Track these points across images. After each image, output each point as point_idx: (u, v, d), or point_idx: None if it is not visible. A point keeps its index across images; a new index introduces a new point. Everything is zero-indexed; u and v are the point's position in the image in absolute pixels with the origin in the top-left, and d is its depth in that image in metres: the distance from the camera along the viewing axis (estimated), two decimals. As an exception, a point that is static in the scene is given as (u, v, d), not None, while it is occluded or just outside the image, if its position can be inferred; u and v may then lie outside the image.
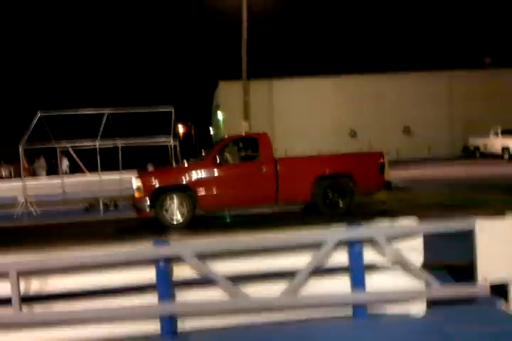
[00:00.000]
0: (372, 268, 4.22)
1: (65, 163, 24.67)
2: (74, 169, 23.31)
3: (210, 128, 50.24)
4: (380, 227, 4.10)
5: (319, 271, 4.13)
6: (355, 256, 4.09)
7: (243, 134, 10.92)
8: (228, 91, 30.52)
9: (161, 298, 4.05)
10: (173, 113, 14.12)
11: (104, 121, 13.44)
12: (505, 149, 25.55)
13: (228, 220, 10.55)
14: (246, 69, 24.45)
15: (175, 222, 9.61)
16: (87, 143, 14.20)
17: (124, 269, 4.15)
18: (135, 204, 9.78)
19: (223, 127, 31.49)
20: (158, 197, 9.57)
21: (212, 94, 41.42)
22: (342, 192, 9.80)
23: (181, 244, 4.11)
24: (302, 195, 9.78)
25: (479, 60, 34.98)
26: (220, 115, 31.54)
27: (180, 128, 51.39)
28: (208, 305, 4.03)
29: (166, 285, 4.05)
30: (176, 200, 9.61)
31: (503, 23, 57.93)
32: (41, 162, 26.83)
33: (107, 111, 13.85)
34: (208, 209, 9.90)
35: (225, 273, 4.03)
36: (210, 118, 54.11)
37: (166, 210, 9.59)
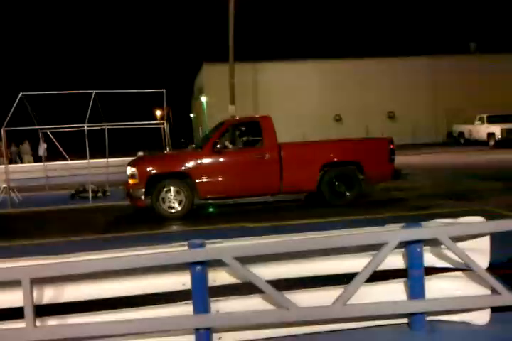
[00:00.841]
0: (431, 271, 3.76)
1: (42, 147, 23.71)
2: (54, 154, 22.38)
3: (191, 114, 49.10)
4: (444, 226, 3.61)
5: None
6: (415, 259, 3.60)
7: (239, 117, 10.25)
8: (212, 74, 29.67)
9: (197, 307, 3.51)
10: (164, 95, 13.39)
11: (91, 103, 12.63)
12: (490, 135, 25.52)
13: (211, 209, 10.02)
14: (233, 51, 23.65)
15: (172, 211, 9.02)
16: (74, 126, 13.40)
17: (151, 275, 3.59)
18: (129, 192, 9.15)
19: (207, 110, 30.68)
20: (154, 184, 8.96)
21: (192, 77, 40.41)
22: (349, 181, 9.31)
23: (222, 246, 3.54)
24: (308, 185, 9.26)
25: (464, 45, 34.81)
26: (203, 98, 30.67)
27: (157, 112, 50.22)
28: (253, 316, 3.49)
29: (202, 293, 3.51)
30: (173, 188, 9.01)
31: (489, 9, 58.13)
32: (25, 146, 25.70)
33: (93, 91, 13.02)
34: (207, 198, 9.31)
35: (266, 278, 3.52)
36: (189, 102, 53.02)
37: (163, 199, 9.00)
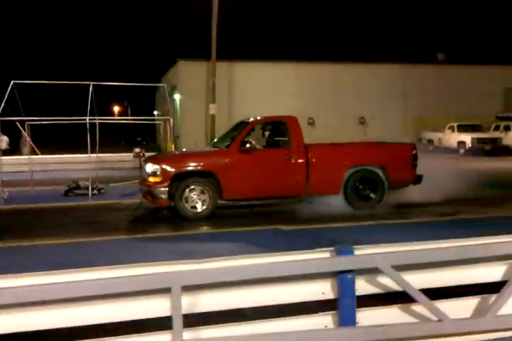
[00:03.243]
0: None
1: (4, 140, 22.52)
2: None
3: (155, 112, 47.94)
4: None
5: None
6: None
7: (272, 117, 9.90)
8: (188, 72, 29.12)
9: (343, 319, 3.27)
10: (165, 88, 12.93)
11: (91, 94, 12.05)
12: (460, 144, 26.32)
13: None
14: (215, 48, 23.31)
15: (196, 212, 8.65)
16: (75, 119, 12.77)
17: (291, 283, 3.32)
18: (150, 190, 8.69)
19: (180, 109, 30.08)
20: (178, 183, 8.57)
21: (158, 73, 39.47)
22: (374, 185, 9.24)
23: (377, 253, 3.31)
24: (333, 187, 9.09)
25: (432, 55, 35.84)
26: (176, 96, 30.04)
27: (115, 108, 48.96)
28: (405, 329, 3.29)
29: (350, 304, 3.27)
30: (198, 188, 8.64)
31: (458, 21, 60.36)
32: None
33: (91, 82, 12.42)
34: (232, 198, 9.00)
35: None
36: (153, 99, 51.79)
37: (186, 199, 8.61)
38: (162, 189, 8.51)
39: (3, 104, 11.60)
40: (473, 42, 52.97)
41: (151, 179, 8.63)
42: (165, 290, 2.97)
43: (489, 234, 3.64)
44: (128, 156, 18.75)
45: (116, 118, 13.80)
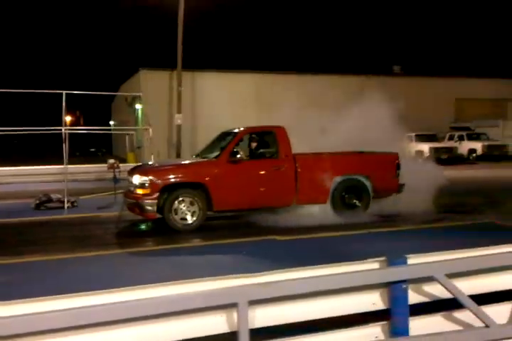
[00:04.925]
0: None
1: None
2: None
3: (111, 122, 46.96)
4: None
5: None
6: None
7: (260, 127, 9.89)
8: (150, 81, 28.74)
9: (395, 329, 3.28)
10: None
11: (64, 103, 11.71)
12: (418, 153, 27.15)
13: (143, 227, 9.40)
14: (181, 58, 23.17)
15: (186, 223, 8.50)
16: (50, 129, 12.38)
17: (341, 295, 3.30)
18: (138, 203, 8.46)
19: (142, 119, 29.60)
20: (167, 195, 8.40)
21: (113, 82, 38.73)
22: (359, 194, 9.37)
23: (432, 262, 3.34)
24: (321, 197, 9.16)
25: (388, 67, 36.93)
26: (138, 105, 29.58)
27: (67, 117, 47.65)
28: (452, 335, 3.33)
29: (403, 315, 3.28)
30: (187, 199, 8.50)
31: (414, 34, 62.59)
32: None
33: (63, 91, 12.06)
34: (221, 210, 8.90)
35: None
36: (108, 108, 50.82)
37: (175, 210, 8.45)
38: (151, 201, 8.32)
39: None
40: (427, 55, 55.16)
41: (139, 191, 8.42)
42: (227, 306, 2.90)
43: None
44: (92, 168, 18.33)
45: (87, 128, 13.39)
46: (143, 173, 8.56)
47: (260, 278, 3.07)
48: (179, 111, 23.21)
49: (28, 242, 7.97)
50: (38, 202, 11.72)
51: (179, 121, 22.76)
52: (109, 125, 47.44)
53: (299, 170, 9.06)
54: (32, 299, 2.72)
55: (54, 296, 2.77)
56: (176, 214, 8.45)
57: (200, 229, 8.59)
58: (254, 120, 31.22)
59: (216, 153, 9.10)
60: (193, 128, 27.43)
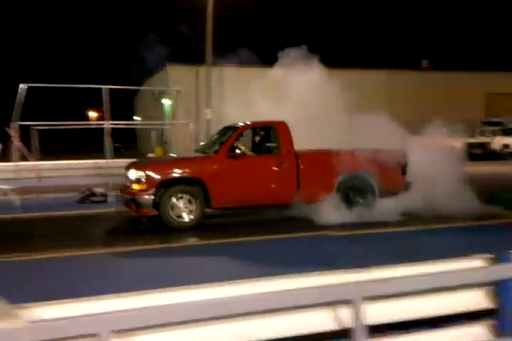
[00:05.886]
0: None
1: None
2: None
3: (136, 117, 46.94)
4: None
5: None
6: None
7: (261, 122, 9.60)
8: (178, 76, 28.79)
9: (506, 329, 3.10)
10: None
11: (104, 98, 11.90)
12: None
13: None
14: (211, 52, 23.00)
15: (183, 221, 8.33)
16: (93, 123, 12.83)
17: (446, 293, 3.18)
18: (134, 199, 8.34)
19: (170, 114, 29.75)
20: (164, 191, 8.26)
21: (135, 78, 38.60)
22: (364, 193, 9.03)
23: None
24: (324, 195, 8.83)
25: (417, 62, 35.94)
26: (166, 101, 29.71)
27: (92, 113, 47.86)
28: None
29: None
30: (184, 196, 8.34)
31: (442, 28, 60.96)
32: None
33: (104, 86, 12.29)
34: (220, 207, 8.72)
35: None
36: (131, 104, 50.40)
37: (172, 207, 8.29)
38: (147, 197, 8.18)
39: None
40: (456, 49, 53.43)
41: (135, 186, 8.29)
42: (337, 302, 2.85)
43: None
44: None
45: (128, 123, 13.71)
46: (139, 168, 8.41)
47: (372, 273, 3.04)
48: (208, 106, 23.16)
49: (90, 234, 8.25)
50: (82, 195, 11.84)
51: (209, 116, 22.74)
52: (133, 120, 47.44)
53: (301, 166, 8.79)
54: (141, 291, 2.78)
55: (165, 289, 2.83)
56: (173, 211, 8.29)
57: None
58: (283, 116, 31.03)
59: (216, 148, 8.92)
60: (222, 122, 27.32)
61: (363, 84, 31.79)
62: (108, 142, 12.04)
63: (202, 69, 25.81)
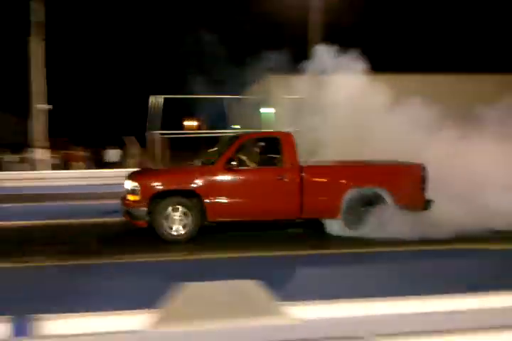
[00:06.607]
0: None
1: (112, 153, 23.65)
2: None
3: (234, 126, 47.30)
4: None
5: None
6: None
7: (264, 132, 9.13)
8: (277, 86, 28.94)
9: None
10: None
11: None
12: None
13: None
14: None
15: (178, 234, 8.10)
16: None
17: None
18: (129, 210, 8.33)
19: (273, 123, 29.97)
20: (158, 202, 8.12)
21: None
22: (375, 209, 8.05)
23: None
24: (331, 210, 8.11)
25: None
26: (268, 110, 30.07)
27: (189, 123, 49.01)
28: None
29: None
30: (179, 208, 8.14)
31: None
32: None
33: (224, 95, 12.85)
34: (217, 220, 8.37)
35: None
36: (223, 113, 50.68)
37: (166, 220, 8.11)
38: (141, 208, 8.12)
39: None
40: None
41: (130, 197, 8.26)
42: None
43: None
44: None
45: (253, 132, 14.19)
46: (134, 179, 8.37)
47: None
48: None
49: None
50: None
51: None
52: (231, 129, 47.55)
53: (305, 180, 8.11)
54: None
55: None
56: (167, 223, 8.12)
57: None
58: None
59: (214, 159, 8.59)
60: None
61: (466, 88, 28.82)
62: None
63: (301, 79, 25.48)
